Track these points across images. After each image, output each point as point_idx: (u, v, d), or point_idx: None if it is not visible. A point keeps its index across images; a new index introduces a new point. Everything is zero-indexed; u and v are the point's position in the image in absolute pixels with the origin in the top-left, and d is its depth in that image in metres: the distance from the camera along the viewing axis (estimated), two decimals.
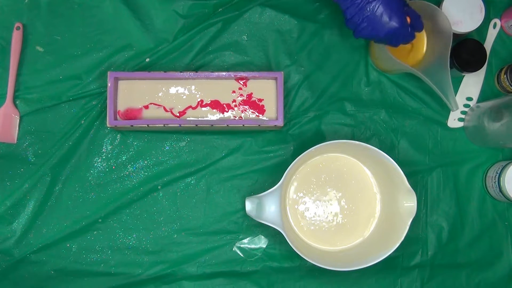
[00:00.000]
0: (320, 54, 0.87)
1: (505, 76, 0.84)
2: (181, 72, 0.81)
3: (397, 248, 0.75)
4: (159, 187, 0.85)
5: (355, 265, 0.76)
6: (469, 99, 0.87)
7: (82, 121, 0.84)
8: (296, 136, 0.86)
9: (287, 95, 0.86)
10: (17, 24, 0.84)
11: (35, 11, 0.85)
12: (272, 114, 0.82)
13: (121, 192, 0.84)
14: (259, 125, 0.81)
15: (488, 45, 0.87)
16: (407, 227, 0.76)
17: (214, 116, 0.82)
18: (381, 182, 0.84)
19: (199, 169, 0.85)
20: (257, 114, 0.83)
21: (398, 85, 0.87)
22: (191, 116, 0.82)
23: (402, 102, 0.87)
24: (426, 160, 0.87)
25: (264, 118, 0.82)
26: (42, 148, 0.84)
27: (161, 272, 0.83)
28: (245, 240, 0.84)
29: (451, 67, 0.83)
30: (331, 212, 0.84)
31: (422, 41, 0.83)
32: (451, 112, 0.87)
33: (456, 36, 0.83)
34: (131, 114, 0.82)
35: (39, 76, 0.85)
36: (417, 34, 0.75)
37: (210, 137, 0.86)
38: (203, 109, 0.82)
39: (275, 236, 0.83)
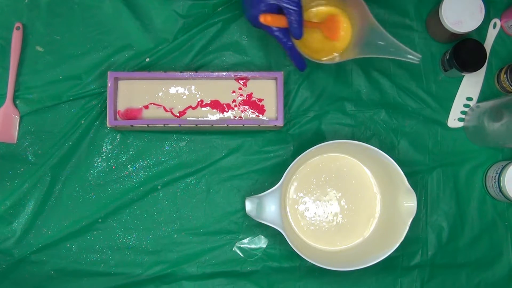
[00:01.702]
0: None
1: (505, 76, 0.84)
2: (181, 72, 0.81)
3: (397, 248, 0.75)
4: (159, 187, 0.84)
5: (355, 265, 0.76)
6: (469, 99, 0.87)
7: (82, 121, 0.84)
8: (296, 136, 0.86)
9: (287, 95, 0.86)
10: (17, 24, 0.84)
11: (35, 11, 0.85)
12: (272, 114, 0.82)
13: (121, 192, 0.84)
14: (259, 125, 0.81)
15: (488, 45, 0.87)
16: (407, 227, 0.76)
17: (214, 116, 0.82)
18: (381, 182, 0.84)
19: (199, 169, 0.85)
20: (257, 114, 0.82)
21: (398, 85, 0.87)
22: (191, 116, 0.82)
23: (402, 102, 0.87)
24: (426, 160, 0.87)
25: (264, 118, 0.82)
26: (42, 148, 0.84)
27: (161, 272, 0.83)
28: (245, 240, 0.84)
29: (451, 67, 0.83)
30: (331, 212, 0.84)
31: (346, 30, 0.84)
32: (451, 111, 0.87)
33: (456, 36, 0.83)
34: (131, 114, 0.82)
35: (39, 76, 0.85)
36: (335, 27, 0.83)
37: (210, 137, 0.85)
38: (203, 109, 0.82)
39: (275, 236, 0.83)
